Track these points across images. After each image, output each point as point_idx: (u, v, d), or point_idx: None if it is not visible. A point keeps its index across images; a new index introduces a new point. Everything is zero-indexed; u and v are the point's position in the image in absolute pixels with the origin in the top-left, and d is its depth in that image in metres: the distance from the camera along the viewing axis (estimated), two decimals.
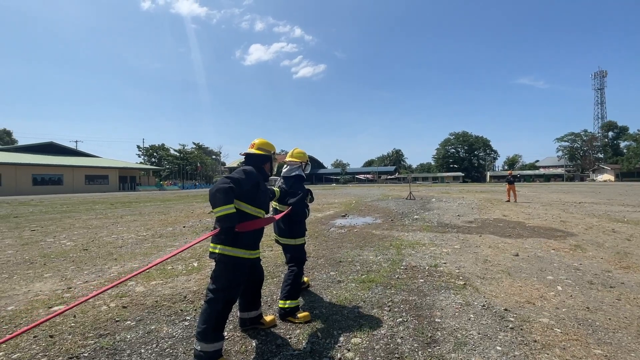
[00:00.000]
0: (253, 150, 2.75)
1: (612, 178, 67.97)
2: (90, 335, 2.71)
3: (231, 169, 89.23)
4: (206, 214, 12.35)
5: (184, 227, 8.95)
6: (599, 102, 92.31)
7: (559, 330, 2.74)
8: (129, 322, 2.96)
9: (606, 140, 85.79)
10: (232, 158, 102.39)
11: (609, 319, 2.96)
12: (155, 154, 71.39)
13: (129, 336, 2.68)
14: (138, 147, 70.52)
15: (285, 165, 3.40)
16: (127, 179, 48.53)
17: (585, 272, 4.40)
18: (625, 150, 76.36)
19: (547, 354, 2.37)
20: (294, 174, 3.31)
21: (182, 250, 2.18)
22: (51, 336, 2.68)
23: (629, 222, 8.88)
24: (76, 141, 62.90)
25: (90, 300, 3.48)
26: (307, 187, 3.34)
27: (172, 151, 71.38)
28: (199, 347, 2.17)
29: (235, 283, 2.36)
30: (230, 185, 2.23)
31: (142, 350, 2.45)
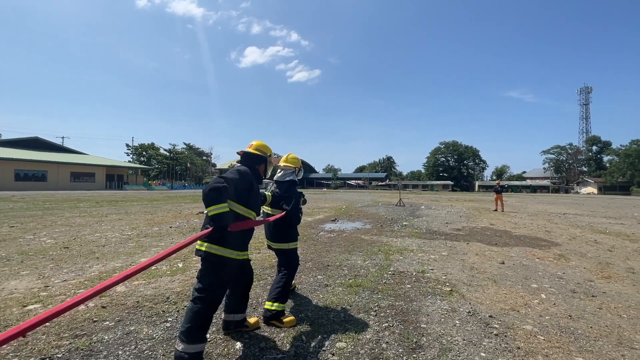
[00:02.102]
0: (250, 150, 2.77)
1: (595, 191, 69.84)
2: (66, 335, 2.60)
3: (222, 170, 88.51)
4: (194, 214, 12.16)
5: (170, 227, 8.78)
6: (584, 117, 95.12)
7: (542, 338, 2.76)
8: (107, 322, 2.86)
9: (590, 154, 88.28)
10: (223, 159, 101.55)
11: (591, 327, 3.00)
12: (144, 153, 70.24)
13: (106, 337, 2.58)
14: (127, 145, 69.33)
15: (279, 170, 3.38)
16: (115, 178, 47.54)
17: (568, 281, 4.47)
18: (608, 165, 78.74)
19: None
20: (287, 178, 3.28)
21: (179, 249, 2.03)
22: (23, 336, 2.56)
23: (611, 233, 9.10)
24: (62, 137, 61.24)
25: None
26: (299, 190, 3.33)
27: (162, 150, 70.40)
28: (181, 347, 2.10)
29: (220, 282, 2.32)
30: (224, 184, 2.21)
31: (120, 352, 2.37)
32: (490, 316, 3.18)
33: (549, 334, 2.84)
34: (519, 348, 2.57)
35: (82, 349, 2.39)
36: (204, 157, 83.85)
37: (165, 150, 70.47)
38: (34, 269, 4.51)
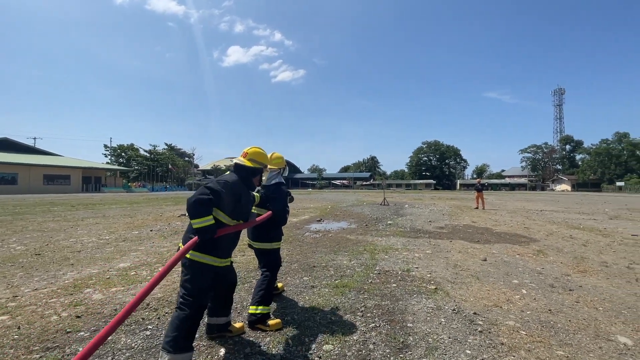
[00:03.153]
0: (244, 162, 2.57)
1: (569, 188, 72.96)
2: (36, 348, 2.44)
3: (205, 172, 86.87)
4: (176, 217, 11.85)
5: (151, 230, 8.50)
6: (558, 117, 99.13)
7: (524, 333, 2.81)
8: (82, 332, 2.71)
9: (564, 152, 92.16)
10: (206, 160, 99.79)
11: (569, 320, 3.09)
12: (123, 154, 68.04)
13: (80, 348, 2.44)
14: (105, 146, 66.93)
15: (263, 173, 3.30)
16: (92, 180, 45.81)
17: (547, 275, 4.61)
18: (580, 163, 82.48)
19: (514, 356, 2.42)
20: (274, 181, 3.20)
21: (174, 264, 1.98)
22: None
23: (585, 228, 9.49)
24: (34, 138, 58.35)
25: (39, 310, 3.18)
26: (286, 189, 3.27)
27: (141, 151, 68.37)
28: (167, 358, 2.01)
29: (203, 288, 2.24)
30: (210, 197, 2.14)
31: None
32: (475, 313, 3.22)
33: (530, 328, 2.91)
34: (502, 344, 2.61)
35: None
36: (186, 158, 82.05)
37: (145, 151, 68.49)
38: (1, 278, 4.24)
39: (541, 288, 4.06)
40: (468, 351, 2.50)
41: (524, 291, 3.93)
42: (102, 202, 20.24)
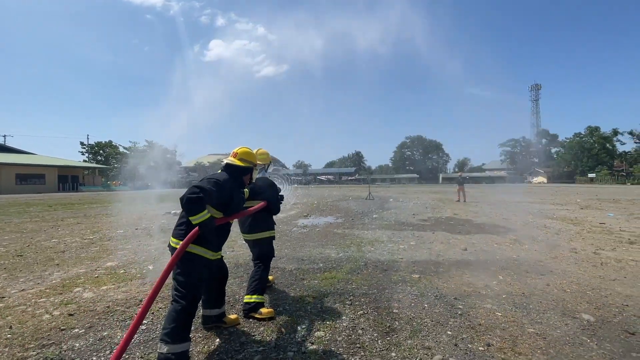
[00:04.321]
0: (234, 161, 2.68)
1: (545, 180, 75.90)
2: (32, 346, 2.47)
3: (187, 169, 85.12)
4: (160, 215, 11.70)
5: (136, 229, 8.40)
6: (535, 112, 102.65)
7: (499, 314, 3.05)
8: (77, 329, 2.74)
9: (540, 146, 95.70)
10: (189, 157, 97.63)
11: (540, 302, 3.36)
12: (101, 151, 65.74)
13: (77, 344, 2.49)
14: (82, 143, 64.41)
15: None
16: (69, 179, 44.09)
17: (522, 262, 4.92)
18: (555, 156, 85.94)
19: (490, 335, 2.64)
20: (258, 175, 3.32)
21: (179, 254, 2.18)
22: None
23: (557, 218, 10.04)
24: (4, 135, 55.49)
25: (29, 309, 3.17)
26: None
27: (121, 149, 66.23)
28: (166, 349, 2.10)
29: (197, 280, 2.33)
30: (199, 195, 2.22)
31: (94, 358, 2.30)
32: (455, 298, 3.45)
33: (505, 310, 3.15)
34: (480, 325, 2.83)
35: (51, 358, 2.29)
36: (168, 155, 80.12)
37: (125, 148, 66.35)
38: None
39: (517, 274, 4.34)
40: (449, 332, 2.70)
41: (501, 277, 4.20)
42: (81, 202, 19.65)
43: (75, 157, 62.00)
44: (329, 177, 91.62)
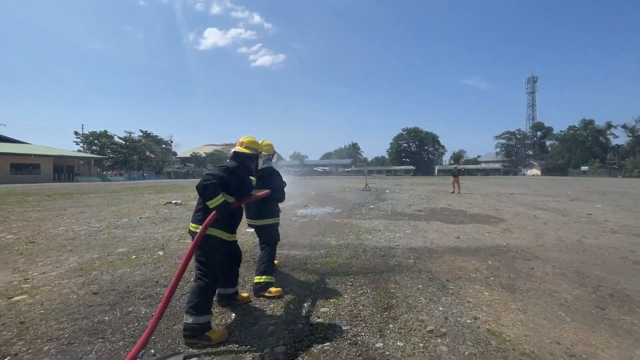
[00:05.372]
0: (241, 149, 2.95)
1: (539, 173, 76.94)
2: (65, 320, 2.73)
3: (183, 159, 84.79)
4: (162, 205, 11.91)
5: (140, 218, 8.63)
6: (531, 105, 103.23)
7: (487, 294, 3.36)
8: (103, 306, 3.00)
9: (535, 139, 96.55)
10: (184, 147, 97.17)
11: (524, 283, 3.68)
12: (96, 141, 65.18)
13: (107, 318, 2.76)
14: (76, 133, 63.73)
15: None
16: (64, 169, 43.94)
17: (510, 249, 5.25)
18: (549, 149, 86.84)
19: (477, 310, 2.95)
20: (264, 166, 3.58)
21: (200, 238, 2.44)
22: (21, 322, 2.66)
23: (547, 209, 10.43)
24: None
25: (55, 289, 3.43)
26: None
27: (116, 139, 65.70)
28: (191, 320, 2.37)
29: (216, 260, 2.60)
30: (213, 181, 2.47)
31: (125, 329, 2.57)
32: (447, 280, 3.76)
33: (493, 290, 3.46)
34: (469, 302, 3.14)
35: (86, 329, 2.56)
36: (163, 146, 79.60)
37: (120, 138, 65.84)
38: (5, 264, 4.39)
39: (504, 259, 4.67)
40: (441, 308, 3.01)
41: (490, 262, 4.52)
42: (79, 192, 19.72)
43: (69, 147, 61.43)
44: (325, 168, 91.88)
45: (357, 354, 2.25)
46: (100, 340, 2.41)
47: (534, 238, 6.08)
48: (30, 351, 2.26)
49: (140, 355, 2.12)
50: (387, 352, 2.27)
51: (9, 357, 2.19)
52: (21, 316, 2.78)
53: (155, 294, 3.30)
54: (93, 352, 2.26)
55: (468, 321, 2.74)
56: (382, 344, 2.38)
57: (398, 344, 2.38)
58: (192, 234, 2.61)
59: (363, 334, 2.53)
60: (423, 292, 3.38)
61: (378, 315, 2.85)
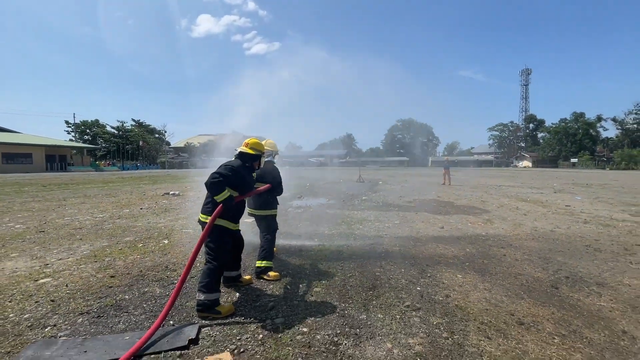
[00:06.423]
0: (247, 150, 3.30)
1: (530, 164, 78.21)
2: (90, 298, 3.12)
3: (177, 149, 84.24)
4: (160, 195, 12.22)
5: (141, 209, 8.96)
6: (524, 97, 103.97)
7: (460, 276, 3.83)
8: (121, 287, 3.40)
9: (527, 131, 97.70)
10: (177, 137, 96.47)
11: (495, 267, 4.16)
12: (88, 130, 64.50)
13: (127, 297, 3.16)
14: (67, 122, 62.91)
15: None
16: (56, 158, 43.55)
17: (488, 238, 5.75)
18: (541, 141, 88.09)
19: (449, 290, 3.41)
20: (267, 159, 3.97)
21: (210, 227, 2.83)
22: (52, 300, 3.05)
23: (530, 201, 11.00)
24: None
25: (75, 273, 3.81)
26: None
27: (108, 128, 65.07)
28: (203, 297, 2.77)
29: (224, 246, 3.00)
30: (219, 179, 2.86)
31: (145, 305, 2.98)
32: (427, 265, 4.22)
33: (466, 273, 3.93)
34: (443, 283, 3.60)
35: (111, 305, 2.96)
36: (157, 135, 78.96)
37: (112, 127, 65.21)
38: (22, 251, 4.74)
39: (481, 247, 5.16)
40: (418, 288, 3.46)
41: (467, 250, 5.00)
42: (74, 182, 19.85)
43: (60, 137, 60.69)
44: (319, 159, 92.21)
45: (344, 324, 2.69)
46: (125, 314, 2.81)
47: (512, 228, 6.59)
48: (66, 322, 2.66)
49: (162, 325, 2.53)
50: (369, 322, 2.72)
51: (49, 327, 2.58)
52: (51, 295, 3.17)
53: (167, 277, 3.71)
54: (120, 323, 2.66)
55: (440, 298, 3.20)
56: (365, 316, 2.82)
57: (379, 315, 2.83)
58: (202, 224, 3.00)
59: (350, 308, 2.97)
60: (404, 275, 3.84)
61: (363, 294, 3.29)
